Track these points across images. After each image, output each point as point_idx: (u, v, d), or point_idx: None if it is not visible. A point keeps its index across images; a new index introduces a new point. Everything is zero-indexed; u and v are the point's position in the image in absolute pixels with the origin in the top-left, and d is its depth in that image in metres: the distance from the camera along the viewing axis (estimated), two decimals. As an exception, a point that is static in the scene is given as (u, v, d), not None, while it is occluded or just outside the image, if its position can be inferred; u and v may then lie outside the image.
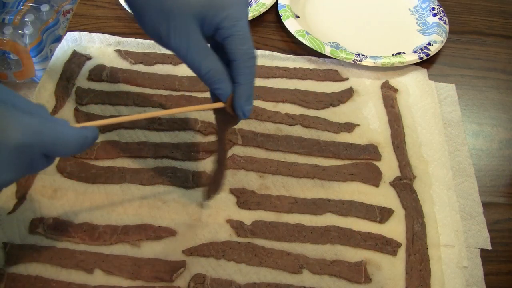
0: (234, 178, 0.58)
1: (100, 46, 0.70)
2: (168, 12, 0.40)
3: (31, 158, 0.35)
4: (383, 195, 0.58)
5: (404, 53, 0.73)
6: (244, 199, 0.55)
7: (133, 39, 0.71)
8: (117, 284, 0.49)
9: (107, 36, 0.71)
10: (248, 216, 0.55)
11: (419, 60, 0.71)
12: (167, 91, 0.66)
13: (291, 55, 0.72)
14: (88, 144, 0.37)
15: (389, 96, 0.67)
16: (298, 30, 0.73)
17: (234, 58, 0.41)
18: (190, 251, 0.51)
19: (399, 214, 0.56)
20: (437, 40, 0.75)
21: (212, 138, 0.61)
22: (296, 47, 0.74)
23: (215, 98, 0.45)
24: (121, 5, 0.76)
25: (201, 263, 0.51)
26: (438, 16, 0.79)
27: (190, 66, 0.42)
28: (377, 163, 0.60)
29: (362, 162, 0.60)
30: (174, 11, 0.40)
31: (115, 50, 0.69)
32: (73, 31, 0.72)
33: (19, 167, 0.34)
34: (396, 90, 0.68)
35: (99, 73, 0.66)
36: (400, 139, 0.63)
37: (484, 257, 0.54)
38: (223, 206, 0.55)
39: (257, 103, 0.65)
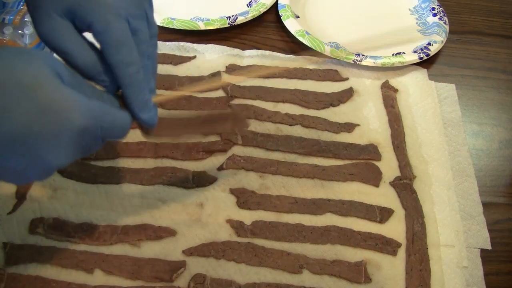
0: (234, 178, 0.58)
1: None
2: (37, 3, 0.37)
3: (89, 141, 0.35)
4: (383, 195, 0.57)
5: (404, 53, 0.73)
6: (244, 199, 0.55)
7: (133, 39, 0.71)
8: (117, 284, 0.49)
9: (107, 36, 0.71)
10: (248, 216, 0.55)
11: (419, 60, 0.71)
12: (167, 91, 0.66)
13: (291, 55, 0.72)
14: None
15: (389, 96, 0.67)
16: (298, 30, 0.73)
17: (112, 68, 0.38)
18: (190, 251, 0.51)
19: (399, 214, 0.56)
20: (437, 40, 0.75)
21: (212, 138, 0.61)
22: (296, 47, 0.74)
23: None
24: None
25: (201, 263, 0.51)
26: (438, 16, 0.79)
27: (64, 58, 0.39)
28: (377, 163, 0.60)
29: (362, 162, 0.60)
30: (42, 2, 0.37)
31: (115, 50, 0.69)
32: (73, 31, 0.71)
33: (77, 150, 0.35)
34: (396, 90, 0.68)
35: (99, 73, 0.66)
36: (400, 139, 0.63)
37: (484, 257, 0.54)
38: (223, 206, 0.55)
39: (257, 103, 0.65)
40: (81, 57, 0.38)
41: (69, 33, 0.38)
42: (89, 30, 0.39)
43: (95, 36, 0.39)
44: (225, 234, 0.53)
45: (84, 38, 0.40)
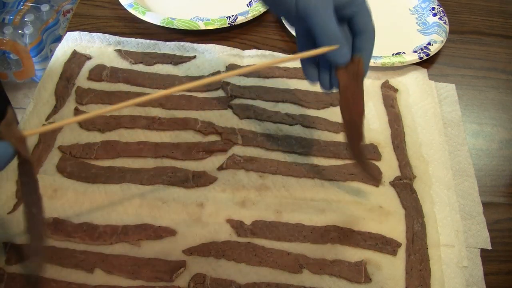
0: (234, 178, 0.58)
1: (100, 46, 0.70)
2: None
3: None
4: (383, 195, 0.57)
5: (404, 53, 0.73)
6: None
7: (133, 39, 0.71)
8: (117, 284, 0.49)
9: (107, 36, 0.71)
10: (248, 216, 0.55)
11: (419, 60, 0.71)
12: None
13: (291, 55, 0.72)
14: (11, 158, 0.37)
15: (389, 96, 0.67)
16: (298, 30, 0.73)
17: (365, 30, 0.47)
18: (190, 251, 0.51)
19: (399, 214, 0.56)
20: (437, 40, 0.75)
21: (212, 138, 0.61)
22: (296, 47, 0.73)
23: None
24: (121, 5, 0.76)
25: (201, 263, 0.51)
26: (438, 16, 0.79)
27: (319, 29, 0.45)
28: (377, 163, 0.60)
29: (362, 162, 0.60)
30: None
31: (115, 50, 0.69)
32: (73, 31, 0.72)
33: None
34: (396, 90, 0.68)
35: (99, 73, 0.66)
36: (400, 139, 0.63)
37: (484, 257, 0.54)
38: (223, 206, 0.55)
39: (257, 103, 0.65)
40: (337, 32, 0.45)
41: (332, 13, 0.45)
42: (346, 5, 0.46)
43: (350, 9, 0.46)
44: (225, 234, 0.53)
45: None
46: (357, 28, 0.47)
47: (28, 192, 0.42)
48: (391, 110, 0.66)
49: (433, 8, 0.81)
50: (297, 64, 0.71)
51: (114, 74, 0.66)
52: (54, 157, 0.58)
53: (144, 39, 0.72)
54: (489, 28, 0.82)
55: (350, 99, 0.49)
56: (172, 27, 0.73)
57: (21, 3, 1.59)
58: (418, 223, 0.55)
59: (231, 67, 0.69)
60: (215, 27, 0.73)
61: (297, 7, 0.45)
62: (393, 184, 0.58)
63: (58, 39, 1.52)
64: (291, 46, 0.74)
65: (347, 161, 0.60)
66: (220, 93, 0.66)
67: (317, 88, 0.68)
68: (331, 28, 0.44)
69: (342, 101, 0.49)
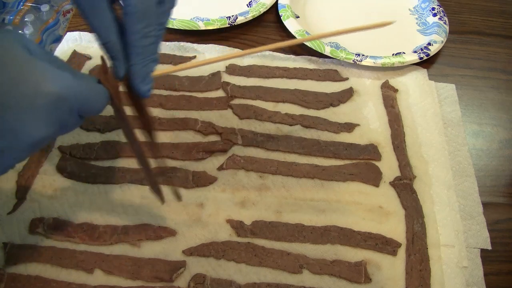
0: (234, 178, 0.58)
1: (100, 46, 0.70)
2: None
3: (65, 112, 0.35)
4: (383, 195, 0.57)
5: (404, 53, 0.73)
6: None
7: (133, 39, 0.71)
8: (117, 284, 0.49)
9: (107, 36, 0.71)
10: (248, 216, 0.55)
11: (419, 60, 0.71)
12: (167, 91, 0.66)
13: (291, 55, 0.72)
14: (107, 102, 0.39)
15: (389, 96, 0.67)
16: (298, 30, 0.73)
17: (127, 36, 0.40)
18: (190, 251, 0.51)
19: (399, 214, 0.56)
20: (437, 40, 0.75)
21: (212, 138, 0.61)
22: (296, 47, 0.74)
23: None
24: (121, 5, 0.75)
25: (201, 263, 0.51)
26: (438, 16, 0.79)
27: (93, 31, 0.40)
28: (377, 163, 0.60)
29: (362, 162, 0.60)
30: None
31: (115, 50, 0.69)
32: (73, 31, 0.72)
33: (54, 122, 0.34)
34: (396, 90, 0.68)
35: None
36: (400, 139, 0.63)
37: (484, 257, 0.54)
38: (223, 206, 0.55)
39: (257, 103, 0.65)
40: (107, 37, 0.40)
41: (104, 9, 0.40)
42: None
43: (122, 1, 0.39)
44: (225, 234, 0.53)
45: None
46: (125, 34, 0.40)
47: (125, 133, 0.44)
48: (391, 110, 0.66)
49: (433, 8, 0.81)
50: (297, 64, 0.71)
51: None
52: (54, 157, 0.58)
53: (144, 39, 0.71)
54: (489, 28, 0.82)
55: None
56: (172, 27, 0.73)
57: (21, 3, 1.59)
58: (418, 223, 0.55)
59: (231, 67, 0.69)
60: (215, 27, 0.73)
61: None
62: (393, 184, 0.58)
63: (58, 39, 1.52)
64: (291, 46, 0.74)
65: (347, 161, 0.60)
66: (220, 93, 0.66)
67: (317, 88, 0.68)
68: (101, 37, 0.40)
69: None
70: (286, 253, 0.52)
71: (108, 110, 0.62)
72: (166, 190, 0.56)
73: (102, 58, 0.40)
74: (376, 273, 0.51)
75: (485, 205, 0.58)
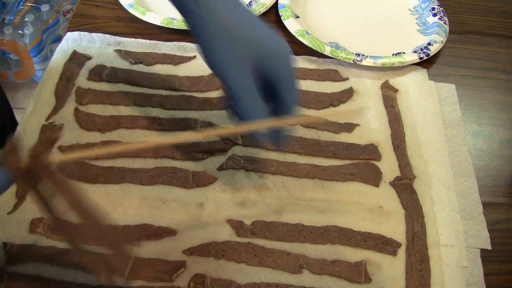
0: (234, 178, 0.58)
1: (100, 46, 0.70)
2: (232, 45, 0.43)
3: None
4: (383, 195, 0.57)
5: (404, 53, 0.73)
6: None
7: (133, 39, 0.71)
8: (117, 284, 0.49)
9: (107, 36, 0.71)
10: (248, 216, 0.55)
11: (419, 60, 0.71)
12: (167, 91, 0.66)
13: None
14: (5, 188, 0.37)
15: (389, 96, 0.67)
16: (298, 30, 0.73)
17: (284, 101, 0.46)
18: (190, 251, 0.51)
19: (399, 214, 0.56)
20: (437, 40, 0.75)
21: (212, 138, 0.61)
22: (296, 47, 0.74)
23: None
24: (121, 5, 0.76)
25: (201, 263, 0.51)
26: (438, 16, 0.79)
27: (236, 102, 0.45)
28: (377, 163, 0.60)
29: (362, 162, 0.60)
30: (236, 46, 0.43)
31: (115, 50, 0.69)
32: (73, 31, 0.72)
33: None
34: (396, 90, 0.68)
35: (99, 73, 0.66)
36: (400, 139, 0.63)
37: (484, 257, 0.54)
38: (223, 206, 0.55)
39: (257, 103, 0.65)
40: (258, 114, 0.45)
41: (251, 82, 0.44)
42: (266, 70, 0.45)
43: (271, 74, 0.45)
44: (225, 234, 0.53)
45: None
46: (278, 97, 0.45)
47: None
48: (391, 110, 0.66)
49: (433, 8, 0.81)
50: (297, 64, 0.71)
51: (114, 74, 0.66)
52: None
53: (144, 39, 0.72)
54: (489, 28, 0.82)
55: None
56: (172, 27, 0.73)
57: (21, 3, 1.59)
58: (418, 223, 0.55)
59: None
60: (215, 27, 0.73)
61: (212, 69, 0.45)
62: (393, 184, 0.58)
63: (58, 39, 1.52)
64: (291, 46, 0.73)
65: (347, 161, 0.60)
66: (220, 93, 0.66)
67: (317, 88, 0.68)
68: (253, 114, 0.44)
69: None
70: (286, 253, 0.52)
71: (109, 110, 0.63)
72: (166, 189, 0.56)
73: (13, 138, 0.38)
74: (376, 273, 0.51)
75: (485, 205, 0.58)
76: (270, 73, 0.45)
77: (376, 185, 0.58)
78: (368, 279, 0.51)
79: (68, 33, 0.71)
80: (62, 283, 0.48)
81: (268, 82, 0.45)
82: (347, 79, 0.69)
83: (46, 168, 0.37)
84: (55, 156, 0.37)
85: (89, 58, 0.68)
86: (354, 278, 0.51)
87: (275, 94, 0.46)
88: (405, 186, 0.58)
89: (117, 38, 0.71)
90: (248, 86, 0.44)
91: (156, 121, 0.62)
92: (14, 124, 0.77)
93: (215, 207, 0.55)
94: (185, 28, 0.72)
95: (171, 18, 0.73)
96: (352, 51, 0.71)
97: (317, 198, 0.57)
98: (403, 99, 0.67)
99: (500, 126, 0.68)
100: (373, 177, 0.59)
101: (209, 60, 0.45)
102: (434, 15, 0.80)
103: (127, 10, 0.75)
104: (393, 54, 0.73)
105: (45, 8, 1.58)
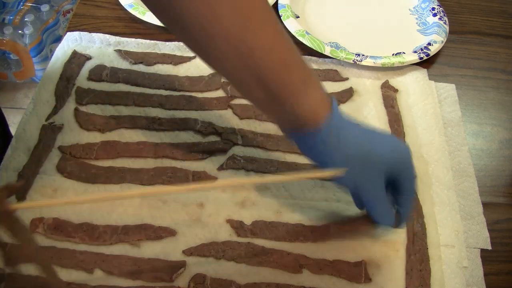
0: (234, 178, 0.58)
1: (100, 46, 0.70)
2: (368, 165, 0.46)
3: None
4: (383, 195, 0.57)
5: (404, 53, 0.73)
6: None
7: (133, 39, 0.71)
8: (117, 284, 0.49)
9: (107, 36, 0.71)
10: (248, 216, 0.55)
11: (419, 60, 0.71)
12: (167, 91, 0.66)
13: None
14: None
15: (389, 96, 0.67)
16: (298, 30, 0.73)
17: (407, 195, 0.49)
18: (190, 251, 0.51)
19: (399, 214, 0.56)
20: (437, 40, 0.75)
21: (212, 138, 0.61)
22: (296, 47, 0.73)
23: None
24: (121, 5, 0.75)
25: (201, 263, 0.51)
26: (438, 16, 0.79)
27: (371, 212, 0.49)
28: (377, 163, 0.60)
29: (362, 162, 0.60)
30: (372, 164, 0.46)
31: (115, 50, 0.69)
32: (73, 31, 0.72)
33: None
34: (396, 90, 0.68)
35: (99, 73, 0.66)
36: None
37: (484, 257, 0.54)
38: (223, 206, 0.55)
39: (257, 103, 0.65)
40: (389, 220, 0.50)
41: (384, 196, 0.48)
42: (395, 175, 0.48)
43: (399, 177, 0.48)
44: (225, 234, 0.53)
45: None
46: (400, 190, 0.49)
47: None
48: (391, 110, 0.66)
49: (433, 8, 0.81)
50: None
51: (114, 74, 0.66)
52: (54, 157, 0.58)
53: (144, 39, 0.72)
54: (489, 28, 0.82)
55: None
56: (172, 27, 0.72)
57: (21, 3, 1.59)
58: (418, 223, 0.55)
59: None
60: (215, 27, 0.73)
61: (355, 184, 0.47)
62: (393, 184, 0.58)
63: (58, 39, 1.52)
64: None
65: (347, 161, 0.60)
66: (220, 93, 0.66)
67: (317, 88, 0.68)
68: (385, 214, 0.48)
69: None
70: (286, 253, 0.52)
71: (109, 110, 0.63)
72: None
73: (4, 187, 0.39)
74: (376, 273, 0.51)
75: (485, 205, 0.58)
76: (397, 176, 0.48)
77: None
78: (368, 279, 0.51)
79: (68, 33, 0.71)
80: (62, 283, 0.48)
81: (392, 181, 0.48)
82: (347, 79, 0.69)
83: (8, 216, 0.38)
84: (15, 205, 0.39)
85: (89, 58, 0.68)
86: (354, 278, 0.51)
87: (397, 188, 0.49)
88: (405, 186, 0.58)
89: (117, 38, 0.71)
90: (382, 197, 0.47)
91: (156, 121, 0.62)
92: (9, 136, 0.72)
93: (215, 207, 0.55)
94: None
95: (171, 18, 0.73)
96: (352, 51, 0.71)
97: (317, 198, 0.57)
98: (403, 99, 0.67)
99: (500, 126, 0.68)
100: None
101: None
102: (434, 15, 0.80)
103: (127, 10, 0.75)
104: (393, 54, 0.73)
105: (45, 8, 1.58)
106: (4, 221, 0.38)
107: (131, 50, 0.70)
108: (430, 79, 0.70)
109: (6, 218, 0.38)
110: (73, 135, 0.60)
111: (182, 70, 0.68)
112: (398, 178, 0.48)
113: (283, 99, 0.44)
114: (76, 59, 0.68)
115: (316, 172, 0.48)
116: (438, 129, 0.64)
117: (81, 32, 0.71)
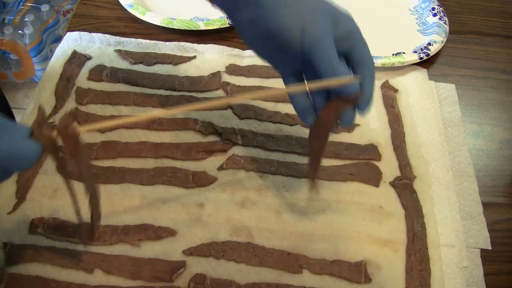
0: (234, 178, 0.58)
1: (100, 46, 0.70)
2: (309, 13, 0.43)
3: None
4: (383, 195, 0.57)
5: (404, 53, 0.73)
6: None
7: (133, 39, 0.71)
8: (117, 284, 0.49)
9: (107, 36, 0.71)
10: (248, 216, 0.55)
11: (419, 60, 0.71)
12: (167, 91, 0.66)
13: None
14: (38, 158, 0.38)
15: (389, 96, 0.67)
16: (298, 30, 0.73)
17: (364, 64, 0.45)
18: (190, 251, 0.51)
19: (399, 214, 0.56)
20: (437, 40, 0.75)
21: (212, 138, 0.61)
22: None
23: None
24: (121, 5, 0.76)
25: (201, 263, 0.51)
26: (438, 16, 0.79)
27: (322, 66, 0.43)
28: (377, 163, 0.60)
29: (362, 162, 0.60)
30: (315, 11, 0.44)
31: (115, 50, 0.69)
32: (73, 31, 0.72)
33: None
34: (396, 90, 0.68)
35: (99, 73, 0.66)
36: (400, 139, 0.63)
37: (484, 257, 0.54)
38: (223, 206, 0.55)
39: (257, 103, 0.65)
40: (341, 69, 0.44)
41: (333, 46, 0.44)
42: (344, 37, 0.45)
43: (349, 41, 0.45)
44: (225, 234, 0.53)
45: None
46: (356, 62, 0.46)
47: (66, 183, 0.44)
48: (391, 110, 0.66)
49: (433, 8, 0.81)
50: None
51: (114, 74, 0.66)
52: (54, 157, 0.57)
53: (144, 39, 0.72)
54: (489, 28, 0.82)
55: (322, 130, 0.48)
56: (172, 27, 0.73)
57: (21, 3, 1.59)
58: (418, 223, 0.55)
59: (231, 67, 0.69)
60: (215, 27, 0.73)
61: (302, 44, 0.44)
62: (393, 184, 0.58)
63: (58, 39, 1.52)
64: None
65: (347, 161, 0.60)
66: (220, 93, 0.66)
67: (317, 88, 0.68)
68: (335, 64, 0.43)
69: (315, 131, 0.48)
70: (286, 253, 0.52)
71: (109, 110, 0.63)
72: (166, 189, 0.56)
73: (39, 109, 0.40)
74: (376, 273, 0.51)
75: (485, 205, 0.58)
76: (348, 43, 0.45)
77: (376, 185, 0.58)
78: (368, 279, 0.51)
79: (68, 33, 0.71)
80: (62, 283, 0.48)
81: (345, 54, 0.46)
82: (347, 79, 0.69)
83: (73, 138, 0.40)
84: (81, 128, 0.40)
85: (89, 58, 0.68)
86: (354, 278, 0.51)
87: (352, 60, 0.46)
88: (405, 186, 0.58)
89: (117, 38, 0.71)
90: (330, 46, 0.44)
91: (156, 121, 0.62)
92: None
93: (215, 207, 0.55)
94: (185, 28, 0.72)
95: (171, 18, 0.73)
96: (352, 51, 0.71)
97: (317, 198, 0.57)
98: (403, 99, 0.67)
99: (500, 126, 0.68)
100: (373, 177, 0.59)
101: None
102: (434, 15, 0.80)
103: (127, 10, 0.75)
104: (393, 54, 0.73)
105: (45, 8, 1.58)
106: (69, 144, 0.40)
107: (131, 50, 0.70)
108: (430, 79, 0.70)
109: (71, 141, 0.40)
110: (73, 135, 0.60)
111: (182, 70, 0.68)
112: (347, 45, 0.45)
113: None
114: (76, 59, 0.68)
115: (323, 82, 0.44)
116: (438, 129, 0.64)
117: (81, 32, 0.71)
